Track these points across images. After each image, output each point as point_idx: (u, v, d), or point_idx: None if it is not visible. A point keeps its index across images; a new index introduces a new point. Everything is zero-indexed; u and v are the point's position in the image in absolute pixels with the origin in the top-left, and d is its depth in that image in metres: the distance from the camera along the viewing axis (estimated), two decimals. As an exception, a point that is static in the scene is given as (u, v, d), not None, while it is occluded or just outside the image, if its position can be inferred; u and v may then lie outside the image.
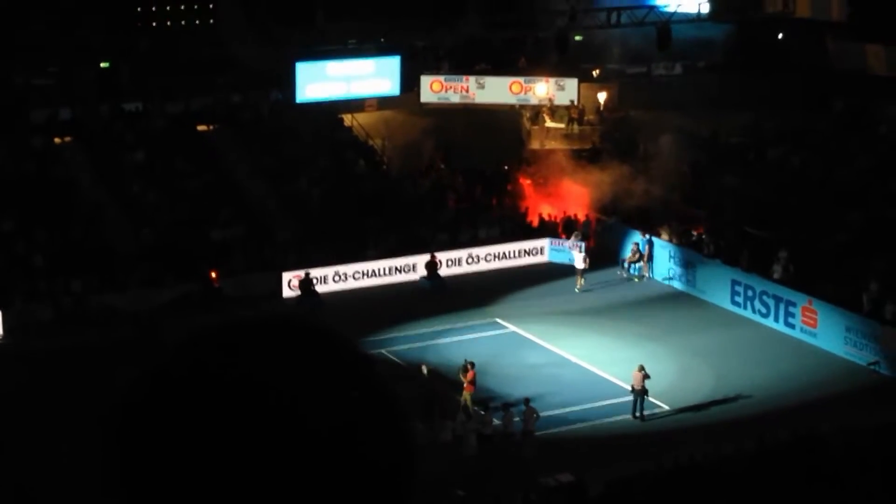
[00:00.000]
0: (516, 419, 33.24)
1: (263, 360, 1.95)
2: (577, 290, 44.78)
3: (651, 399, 35.37)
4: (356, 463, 1.90)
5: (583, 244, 45.92)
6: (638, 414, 34.86)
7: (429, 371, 35.72)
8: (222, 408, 1.90)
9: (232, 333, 2.01)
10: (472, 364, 35.42)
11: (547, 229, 49.45)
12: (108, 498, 1.96)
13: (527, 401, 33.53)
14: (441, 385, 35.59)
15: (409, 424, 2.01)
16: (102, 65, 51.68)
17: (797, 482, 27.25)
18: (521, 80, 54.91)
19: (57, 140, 49.04)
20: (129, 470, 1.94)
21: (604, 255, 47.59)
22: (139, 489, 1.93)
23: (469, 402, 34.61)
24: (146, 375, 2.01)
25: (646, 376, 34.64)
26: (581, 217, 49.61)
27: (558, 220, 49.74)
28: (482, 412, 33.83)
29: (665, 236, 46.56)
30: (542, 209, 50.42)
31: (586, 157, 51.77)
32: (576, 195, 49.99)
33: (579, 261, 45.17)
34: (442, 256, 46.60)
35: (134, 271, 43.53)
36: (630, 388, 35.08)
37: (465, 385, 34.96)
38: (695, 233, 45.95)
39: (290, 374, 1.93)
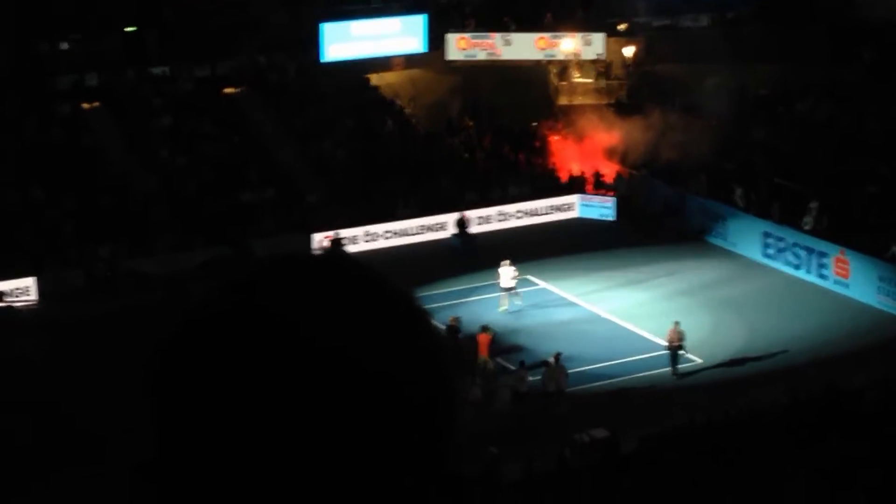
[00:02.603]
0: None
1: (304, 293, 1.87)
2: (501, 310, 38.83)
3: (684, 353, 35.38)
4: (400, 400, 1.83)
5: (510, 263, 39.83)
6: (674, 371, 34.77)
7: (454, 320, 35.64)
8: (260, 341, 1.83)
9: (275, 267, 1.94)
10: (486, 328, 35.39)
11: (577, 185, 49.35)
12: (149, 446, 1.92)
13: (557, 357, 33.51)
14: (466, 341, 35.59)
15: (451, 367, 1.92)
16: (128, 29, 51.63)
17: (831, 434, 27.18)
18: (547, 35, 54.62)
19: (84, 106, 49.09)
20: (167, 406, 1.89)
21: (634, 209, 47.58)
22: (177, 425, 1.87)
23: (482, 364, 34.68)
24: (190, 310, 1.95)
25: (682, 333, 34.60)
26: (611, 172, 49.48)
27: (588, 176, 49.62)
28: (514, 369, 33.93)
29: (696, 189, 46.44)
30: (571, 165, 50.30)
31: (615, 112, 51.56)
32: (605, 150, 49.86)
33: (506, 278, 39.21)
34: (472, 214, 46.57)
35: (163, 236, 43.65)
36: (666, 345, 35.00)
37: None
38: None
39: (329, 307, 1.86)
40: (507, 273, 39.17)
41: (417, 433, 1.83)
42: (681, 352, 34.75)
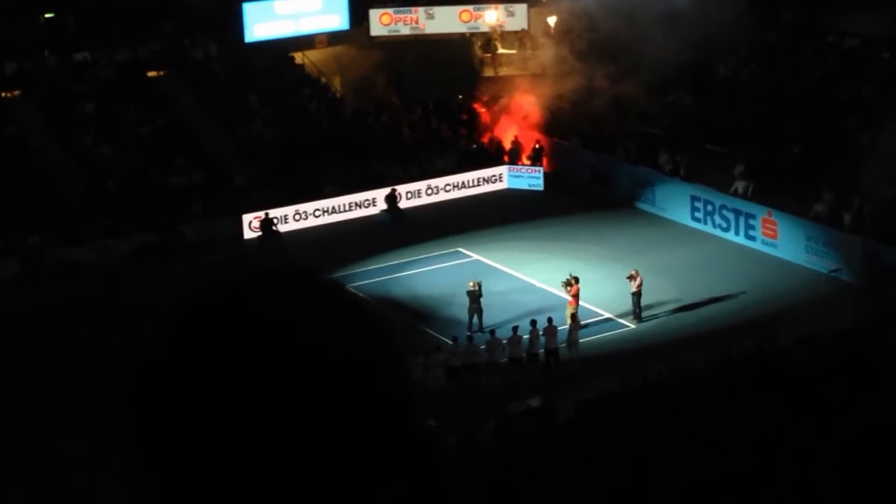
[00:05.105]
0: (525, 338, 33.97)
1: (281, 306, 2.09)
2: None
3: (618, 319, 35.74)
4: (377, 403, 2.09)
5: None
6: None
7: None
8: (243, 353, 2.03)
9: (247, 283, 2.15)
10: (577, 279, 35.84)
11: (504, 156, 49.45)
12: (124, 458, 2.05)
13: (533, 322, 34.31)
14: (406, 318, 35.69)
15: (405, 357, 2.22)
16: (46, 16, 51.04)
17: (764, 393, 27.45)
18: (470, 8, 54.61)
19: (4, 95, 48.49)
20: (149, 422, 2.04)
21: (562, 178, 47.75)
22: (158, 439, 2.03)
23: (575, 314, 35.29)
24: (164, 327, 2.11)
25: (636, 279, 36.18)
26: (531, 142, 49.50)
27: (516, 146, 49.73)
28: (450, 342, 34.05)
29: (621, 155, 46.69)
30: (498, 136, 50.38)
31: (540, 82, 51.56)
32: (532, 120, 49.96)
33: None
34: (401, 189, 46.56)
35: (91, 223, 43.26)
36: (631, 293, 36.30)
37: (569, 300, 35.60)
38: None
39: (305, 316, 2.09)
40: None
41: (388, 401, 2.11)
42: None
